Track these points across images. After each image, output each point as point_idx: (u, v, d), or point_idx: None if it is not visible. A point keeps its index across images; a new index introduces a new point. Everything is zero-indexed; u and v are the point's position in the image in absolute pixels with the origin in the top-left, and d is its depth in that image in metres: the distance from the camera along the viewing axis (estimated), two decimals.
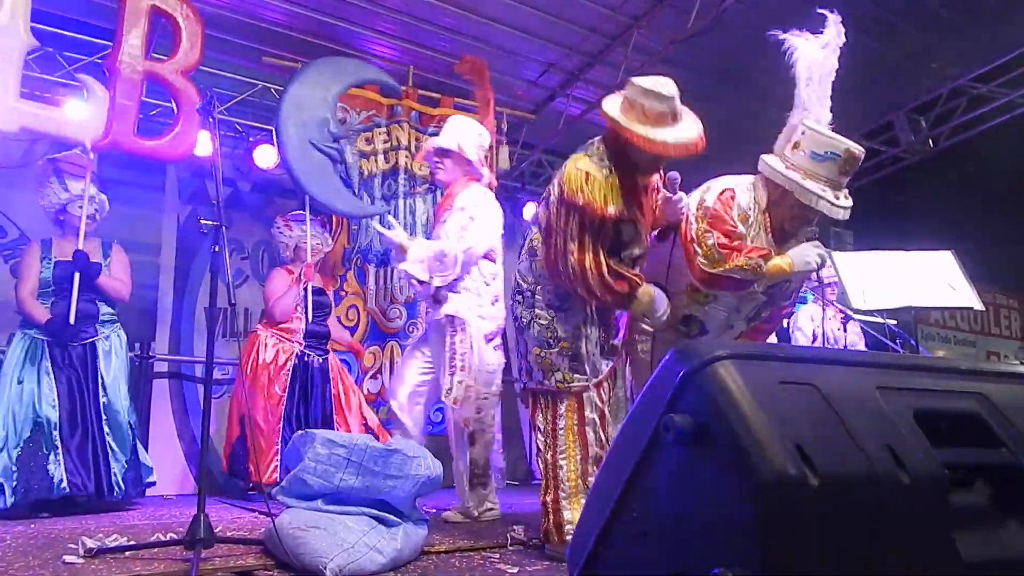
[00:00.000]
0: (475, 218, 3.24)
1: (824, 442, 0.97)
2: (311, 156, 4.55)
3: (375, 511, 2.30)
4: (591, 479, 2.51)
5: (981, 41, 5.46)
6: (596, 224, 2.41)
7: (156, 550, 2.39)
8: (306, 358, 4.41)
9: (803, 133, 2.57)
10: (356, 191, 5.25)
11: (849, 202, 2.55)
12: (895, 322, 4.65)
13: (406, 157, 5.32)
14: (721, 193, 2.59)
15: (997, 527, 1.09)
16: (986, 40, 5.45)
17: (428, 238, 5.25)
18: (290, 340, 4.40)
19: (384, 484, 2.31)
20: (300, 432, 2.45)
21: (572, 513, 2.49)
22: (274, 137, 4.60)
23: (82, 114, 3.91)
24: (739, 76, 5.52)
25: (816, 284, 4.97)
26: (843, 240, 8.22)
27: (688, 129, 2.43)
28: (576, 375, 2.57)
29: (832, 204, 2.49)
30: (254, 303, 5.38)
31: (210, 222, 2.61)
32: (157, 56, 4.13)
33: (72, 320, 3.68)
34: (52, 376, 3.70)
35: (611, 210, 2.40)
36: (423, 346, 3.47)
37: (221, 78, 5.11)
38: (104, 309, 3.94)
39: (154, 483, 4.04)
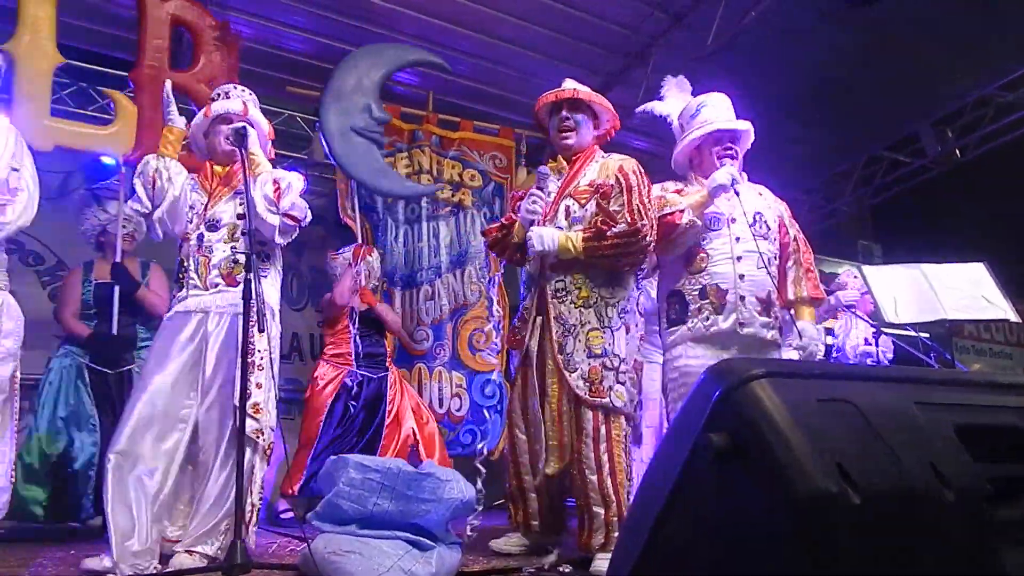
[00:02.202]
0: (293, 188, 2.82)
1: (864, 459, 0.97)
2: (354, 142, 4.63)
3: (409, 535, 2.31)
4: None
5: (1005, 49, 5.42)
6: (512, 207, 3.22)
7: None
8: (353, 379, 4.40)
9: (678, 119, 3.08)
10: (380, 215, 5.32)
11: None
12: (928, 335, 4.59)
13: (428, 181, 5.38)
14: None
15: None
16: (1010, 48, 5.41)
17: (448, 261, 5.35)
18: (340, 365, 4.44)
19: (418, 508, 2.32)
20: (333, 457, 2.47)
21: None
22: (319, 131, 4.69)
23: (112, 128, 3.96)
24: (759, 94, 5.52)
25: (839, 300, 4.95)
26: (871, 253, 8.15)
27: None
28: None
29: (727, 121, 2.93)
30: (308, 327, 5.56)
31: (242, 252, 2.66)
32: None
33: (115, 330, 3.70)
34: (92, 401, 3.73)
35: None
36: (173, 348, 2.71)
37: None
38: (143, 335, 3.93)
39: None
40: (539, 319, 2.84)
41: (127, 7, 4.32)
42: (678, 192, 2.87)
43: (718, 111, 2.93)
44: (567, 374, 2.73)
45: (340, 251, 4.73)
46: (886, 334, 4.68)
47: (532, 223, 2.83)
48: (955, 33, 5.14)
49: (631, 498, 2.69)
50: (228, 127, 2.81)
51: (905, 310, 3.82)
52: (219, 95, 2.98)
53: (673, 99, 3.21)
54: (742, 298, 2.75)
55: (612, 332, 2.77)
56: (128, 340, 3.87)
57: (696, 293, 2.80)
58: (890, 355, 4.82)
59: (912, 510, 0.98)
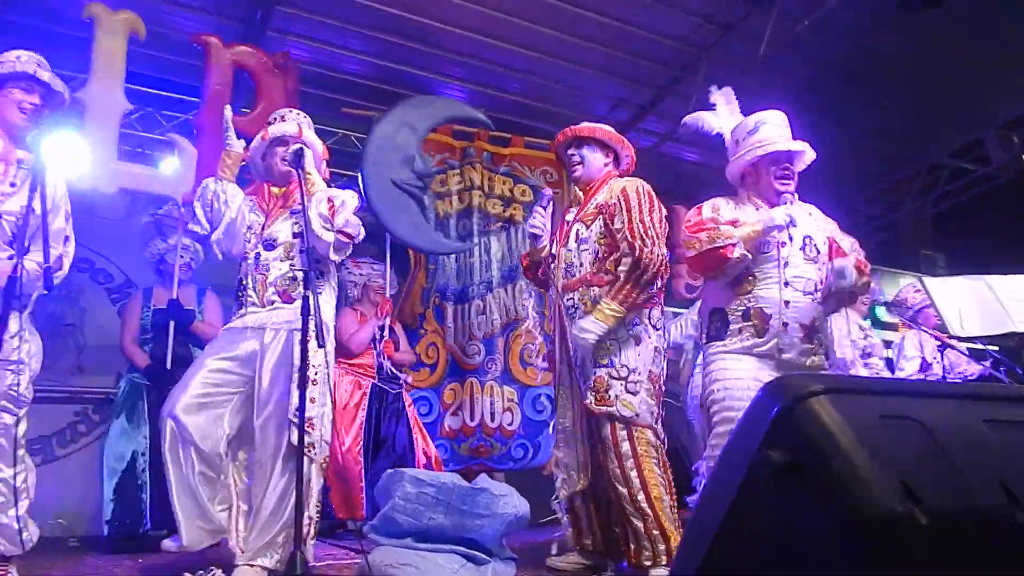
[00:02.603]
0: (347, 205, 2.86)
1: (931, 478, 0.94)
2: (392, 194, 4.69)
3: (464, 549, 2.32)
4: None
5: None
6: None
7: None
8: (380, 392, 4.45)
9: (732, 133, 3.04)
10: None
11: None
12: (997, 348, 4.42)
13: (479, 197, 5.42)
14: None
15: None
16: None
17: (502, 276, 5.38)
18: (365, 376, 4.48)
19: (472, 523, 2.34)
20: (390, 471, 2.50)
21: None
22: (359, 177, 4.76)
23: (173, 171, 4.17)
24: (812, 102, 5.43)
25: (908, 310, 4.80)
26: (935, 263, 7.91)
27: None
28: None
29: (788, 142, 2.89)
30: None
31: (299, 269, 2.73)
32: (245, 111, 4.37)
33: (169, 366, 3.88)
34: (148, 419, 3.89)
35: None
36: (224, 352, 2.83)
37: None
38: (197, 354, 4.09)
39: None
40: (560, 343, 2.98)
41: (188, 33, 4.51)
42: (733, 223, 2.81)
43: (777, 130, 2.93)
44: (580, 386, 2.86)
45: (361, 259, 4.78)
46: (955, 349, 4.51)
47: (537, 238, 3.10)
48: (1017, 37, 4.98)
49: (670, 512, 2.74)
50: (285, 149, 2.89)
51: (970, 323, 3.69)
52: (275, 119, 3.07)
53: (722, 112, 3.21)
54: (785, 324, 2.73)
55: (619, 344, 2.83)
56: (183, 360, 3.98)
57: (739, 314, 2.79)
58: (963, 368, 4.59)
59: (982, 531, 0.95)
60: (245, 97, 4.68)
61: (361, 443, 4.27)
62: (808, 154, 2.94)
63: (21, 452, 2.55)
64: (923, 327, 4.64)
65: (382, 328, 4.53)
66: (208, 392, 2.72)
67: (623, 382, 2.78)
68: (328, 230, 2.79)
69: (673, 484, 2.83)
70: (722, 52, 5.10)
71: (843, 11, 4.65)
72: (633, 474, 2.71)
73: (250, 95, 4.57)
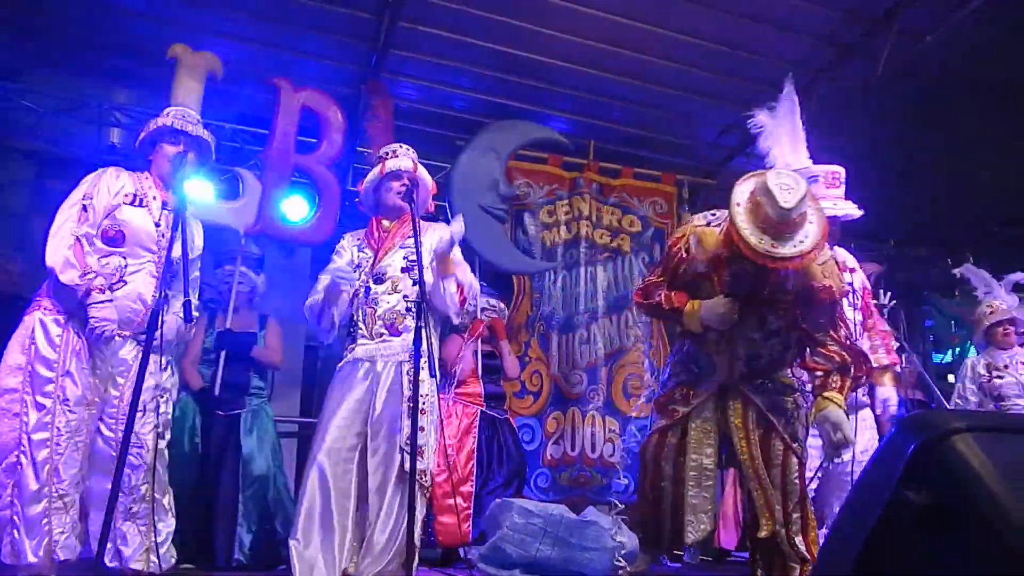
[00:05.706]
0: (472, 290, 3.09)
1: None
2: (480, 219, 4.80)
3: None
4: None
5: None
6: (669, 254, 2.74)
7: None
8: (489, 419, 4.43)
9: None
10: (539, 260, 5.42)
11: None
12: None
13: (587, 226, 5.44)
14: None
15: None
16: None
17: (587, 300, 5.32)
18: (472, 403, 4.44)
19: (581, 556, 2.31)
20: (498, 500, 2.51)
21: None
22: (446, 204, 4.91)
23: (238, 204, 4.40)
24: (937, 118, 5.13)
25: None
26: None
27: (798, 243, 2.34)
28: None
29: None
30: None
31: (411, 301, 2.80)
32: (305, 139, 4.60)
33: (217, 392, 3.90)
34: (199, 444, 3.92)
35: (691, 251, 2.58)
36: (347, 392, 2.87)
37: None
38: (255, 382, 4.10)
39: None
40: (733, 403, 2.70)
41: (312, 78, 4.77)
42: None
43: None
44: (793, 444, 2.68)
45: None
46: None
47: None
48: None
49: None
50: (399, 183, 3.00)
51: None
52: (388, 153, 3.16)
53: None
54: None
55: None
56: (237, 385, 4.02)
57: None
58: None
59: None
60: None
61: (473, 470, 4.28)
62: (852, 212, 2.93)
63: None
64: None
65: (475, 352, 4.51)
66: (343, 435, 2.78)
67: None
68: (456, 313, 2.94)
69: None
70: (838, 74, 4.91)
71: (972, 22, 4.38)
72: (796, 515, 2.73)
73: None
